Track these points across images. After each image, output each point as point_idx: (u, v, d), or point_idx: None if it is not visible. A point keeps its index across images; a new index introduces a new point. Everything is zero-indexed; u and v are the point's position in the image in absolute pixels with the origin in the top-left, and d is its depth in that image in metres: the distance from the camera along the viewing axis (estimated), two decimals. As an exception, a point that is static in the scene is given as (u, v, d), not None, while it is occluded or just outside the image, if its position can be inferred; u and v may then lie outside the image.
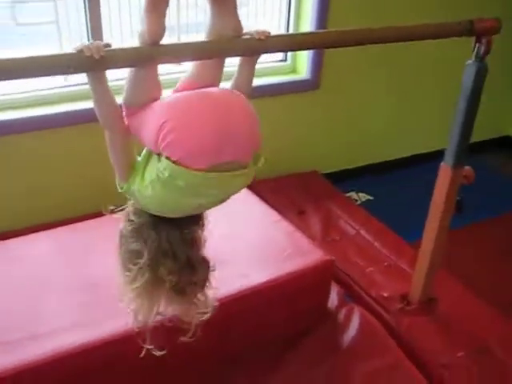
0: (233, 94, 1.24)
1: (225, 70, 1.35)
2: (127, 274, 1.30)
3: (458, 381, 1.85)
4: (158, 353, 1.39)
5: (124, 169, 1.24)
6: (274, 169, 2.96)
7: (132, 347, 1.63)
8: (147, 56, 1.18)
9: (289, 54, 2.96)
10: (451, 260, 2.27)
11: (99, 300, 1.75)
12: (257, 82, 2.78)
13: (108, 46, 1.12)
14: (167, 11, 1.19)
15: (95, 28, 2.34)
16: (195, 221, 1.33)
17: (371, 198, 3.13)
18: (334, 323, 2.01)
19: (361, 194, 3.14)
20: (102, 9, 2.36)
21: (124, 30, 2.63)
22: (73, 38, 2.48)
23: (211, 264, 1.35)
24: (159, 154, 1.15)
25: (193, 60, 1.28)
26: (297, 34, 1.37)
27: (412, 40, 1.62)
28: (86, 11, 2.34)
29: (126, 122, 1.22)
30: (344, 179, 3.16)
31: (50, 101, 2.41)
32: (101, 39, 2.32)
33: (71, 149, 2.44)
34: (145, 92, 1.20)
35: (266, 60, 2.93)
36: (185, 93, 1.22)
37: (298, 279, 1.90)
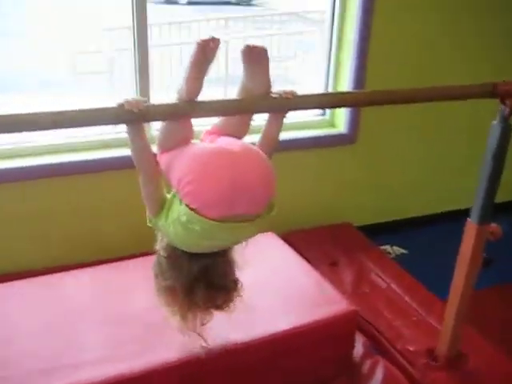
0: (251, 150, 1.34)
1: (255, 123, 1.46)
2: (167, 308, 1.40)
3: None
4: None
5: (154, 205, 1.35)
6: (309, 220, 3.03)
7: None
8: (182, 111, 1.29)
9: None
10: (480, 320, 2.26)
11: (133, 335, 1.83)
12: (295, 134, 2.94)
13: (146, 101, 1.25)
14: (207, 71, 1.31)
15: (143, 82, 2.49)
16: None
17: (405, 251, 3.14)
18: (358, 374, 2.03)
19: (395, 248, 3.16)
20: (152, 61, 2.53)
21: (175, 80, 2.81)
22: (125, 87, 2.64)
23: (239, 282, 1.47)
24: (181, 199, 1.25)
25: (224, 115, 1.39)
26: (321, 95, 1.47)
27: (437, 100, 1.69)
28: (135, 65, 2.50)
29: (159, 160, 1.33)
30: (379, 232, 3.19)
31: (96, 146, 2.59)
32: (147, 92, 2.48)
33: (111, 193, 2.59)
34: (177, 139, 1.32)
35: (305, 114, 3.05)
36: (208, 146, 1.33)
37: (321, 328, 1.93)
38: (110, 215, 2.63)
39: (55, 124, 1.25)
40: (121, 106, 1.23)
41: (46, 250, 2.54)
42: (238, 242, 1.38)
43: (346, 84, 2.91)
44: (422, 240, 3.22)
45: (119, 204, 2.60)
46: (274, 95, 1.36)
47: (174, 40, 5.06)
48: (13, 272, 2.37)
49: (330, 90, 2.96)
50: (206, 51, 1.27)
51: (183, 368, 1.72)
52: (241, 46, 1.33)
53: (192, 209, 1.22)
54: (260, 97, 1.34)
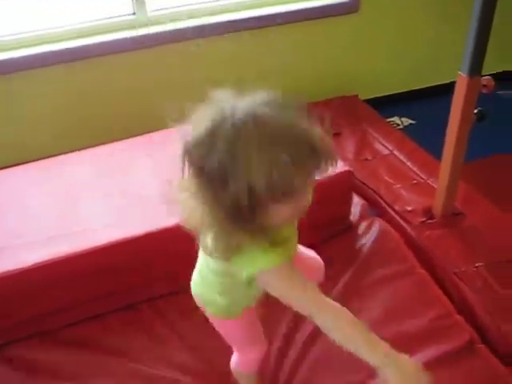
0: None
1: None
2: None
3: (472, 288, 1.88)
4: None
5: None
6: (316, 94, 2.99)
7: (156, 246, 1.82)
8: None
9: (329, -23, 2.94)
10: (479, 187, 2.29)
11: (130, 205, 1.92)
12: (296, 6, 2.84)
13: None
14: None
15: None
16: None
17: (414, 122, 3.12)
18: (353, 233, 2.09)
19: (403, 119, 3.14)
20: None
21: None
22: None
23: None
24: None
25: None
26: None
27: None
28: None
29: None
30: (387, 104, 3.15)
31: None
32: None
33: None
34: None
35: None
36: None
37: (317, 188, 1.97)
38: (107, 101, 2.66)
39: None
40: None
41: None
42: None
43: None
44: (431, 111, 3.16)
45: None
46: None
47: None
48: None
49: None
50: None
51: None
52: None
53: None
54: None
